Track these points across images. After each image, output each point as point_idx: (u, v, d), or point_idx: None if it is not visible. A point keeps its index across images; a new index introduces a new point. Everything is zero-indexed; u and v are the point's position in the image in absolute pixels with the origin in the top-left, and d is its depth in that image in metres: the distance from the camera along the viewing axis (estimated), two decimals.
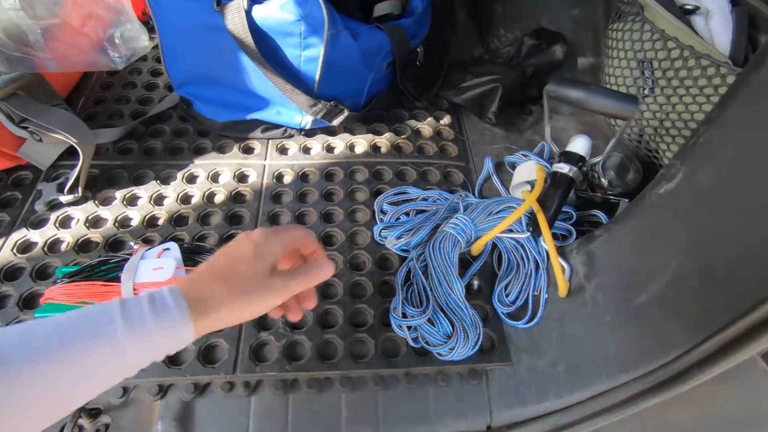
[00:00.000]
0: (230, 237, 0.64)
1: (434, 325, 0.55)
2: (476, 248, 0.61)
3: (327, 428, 0.52)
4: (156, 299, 0.33)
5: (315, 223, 0.66)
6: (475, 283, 0.61)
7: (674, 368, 0.46)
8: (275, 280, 0.37)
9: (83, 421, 0.51)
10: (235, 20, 0.58)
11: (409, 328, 0.55)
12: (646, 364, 0.48)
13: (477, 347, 0.54)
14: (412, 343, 0.55)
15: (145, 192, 0.68)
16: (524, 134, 0.84)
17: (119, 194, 0.67)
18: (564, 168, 0.61)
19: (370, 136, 0.78)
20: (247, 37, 0.58)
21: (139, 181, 0.69)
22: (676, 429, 0.52)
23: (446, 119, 0.83)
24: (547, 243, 0.56)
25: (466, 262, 0.63)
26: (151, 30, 0.93)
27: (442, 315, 0.55)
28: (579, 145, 0.62)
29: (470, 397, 0.55)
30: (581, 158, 0.61)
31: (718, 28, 0.62)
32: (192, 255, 0.58)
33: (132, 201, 0.67)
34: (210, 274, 0.36)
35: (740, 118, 0.40)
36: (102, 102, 0.81)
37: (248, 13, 0.57)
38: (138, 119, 0.76)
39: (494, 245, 0.65)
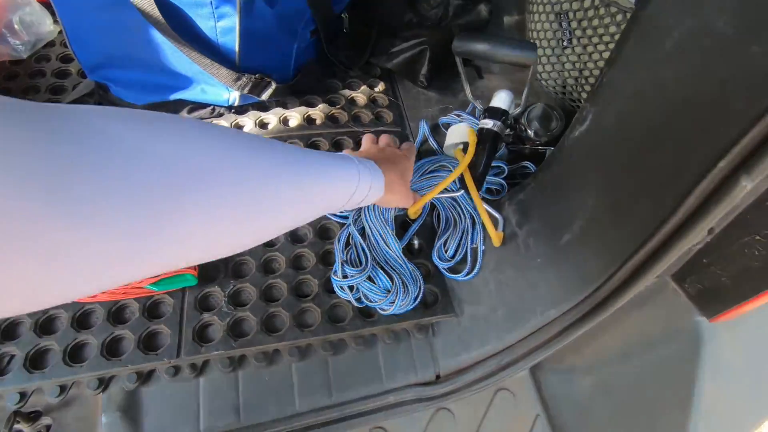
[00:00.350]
0: None
1: (374, 282, 0.56)
2: (413, 211, 0.63)
3: (280, 399, 0.53)
4: (367, 164, 0.47)
5: None
6: (416, 242, 0.63)
7: (596, 298, 0.49)
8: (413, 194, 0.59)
9: (21, 426, 0.49)
10: None
11: (351, 288, 0.56)
12: (572, 298, 0.51)
13: (418, 300, 0.56)
14: (355, 303, 0.56)
15: None
16: (458, 95, 0.85)
17: None
18: (488, 123, 0.62)
19: (303, 108, 0.77)
20: (153, 10, 0.55)
21: None
22: (607, 353, 0.56)
23: (380, 86, 0.83)
24: (474, 199, 0.58)
25: (407, 224, 0.65)
26: (54, 12, 0.86)
27: (381, 272, 0.56)
28: (500, 99, 0.64)
29: (418, 350, 0.57)
30: (504, 112, 0.63)
31: None
32: None
33: None
34: (388, 161, 0.52)
35: (635, 55, 0.42)
36: (7, 94, 0.74)
37: None
38: None
39: (432, 205, 0.66)
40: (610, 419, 0.55)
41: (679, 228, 0.39)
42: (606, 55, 0.65)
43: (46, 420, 0.50)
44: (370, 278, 0.56)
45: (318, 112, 0.76)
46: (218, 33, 0.60)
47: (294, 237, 0.62)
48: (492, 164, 0.65)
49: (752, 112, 0.29)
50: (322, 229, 0.64)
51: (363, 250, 0.58)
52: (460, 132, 0.68)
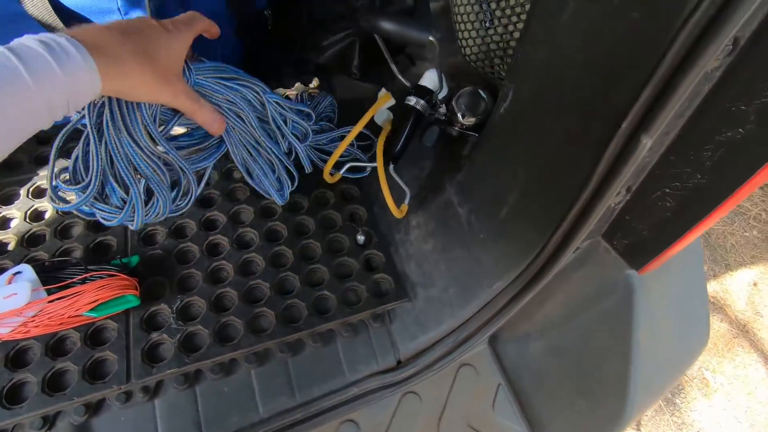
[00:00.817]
0: (97, 245, 0.59)
1: (108, 199, 0.47)
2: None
3: (242, 407, 0.52)
4: (54, 47, 0.33)
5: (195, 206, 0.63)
6: (360, 237, 0.63)
7: (536, 266, 0.52)
8: (181, 87, 0.45)
9: None
10: (35, 3, 0.51)
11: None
12: (515, 268, 0.54)
13: (188, 200, 0.52)
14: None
15: None
16: (396, 83, 0.86)
17: None
18: (411, 101, 0.64)
19: None
20: (55, 21, 0.52)
21: None
22: (554, 316, 0.59)
23: (314, 82, 0.82)
24: (379, 171, 0.60)
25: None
26: None
27: (115, 182, 0.46)
28: (428, 79, 0.66)
29: (376, 339, 0.58)
30: (429, 91, 0.65)
31: None
32: (55, 273, 0.53)
33: None
34: (117, 30, 0.38)
35: (540, 30, 0.44)
36: None
37: None
38: None
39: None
40: (562, 377, 0.58)
41: (599, 188, 0.42)
42: None
43: None
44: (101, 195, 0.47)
45: None
46: None
47: (240, 243, 0.61)
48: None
49: (640, 75, 0.32)
50: (269, 231, 0.63)
51: (96, 156, 0.45)
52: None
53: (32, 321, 0.48)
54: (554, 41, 0.41)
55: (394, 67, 0.69)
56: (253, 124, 0.55)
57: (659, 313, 0.52)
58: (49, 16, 0.52)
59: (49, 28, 0.53)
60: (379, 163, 0.62)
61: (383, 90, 0.70)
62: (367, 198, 0.68)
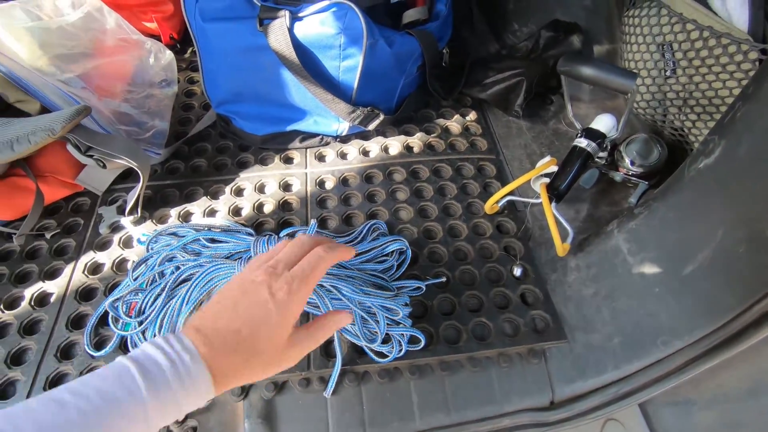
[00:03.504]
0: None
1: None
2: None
3: (401, 415, 0.56)
4: (177, 364, 0.31)
5: (362, 224, 0.69)
6: (517, 270, 0.64)
7: (727, 332, 0.49)
8: (294, 351, 0.38)
9: (172, 427, 0.55)
10: (278, 38, 0.61)
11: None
12: (699, 329, 0.51)
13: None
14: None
15: (197, 208, 0.71)
16: (548, 123, 0.87)
17: (174, 212, 0.70)
18: (582, 143, 0.65)
19: (402, 137, 0.81)
20: (290, 53, 0.62)
21: (190, 197, 0.73)
22: (729, 389, 0.55)
23: (472, 115, 0.86)
24: (546, 209, 0.61)
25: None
26: (178, 53, 0.97)
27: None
28: (601, 122, 0.67)
29: (532, 375, 0.58)
30: (601, 135, 0.65)
31: (734, 6, 0.64)
32: None
33: (186, 217, 0.70)
34: (231, 339, 0.34)
35: None
36: None
37: (290, 30, 0.61)
38: (180, 140, 0.80)
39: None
40: None
41: None
42: (716, 85, 0.65)
43: (191, 422, 0.56)
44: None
45: (416, 141, 0.81)
46: (341, 71, 0.66)
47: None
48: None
49: None
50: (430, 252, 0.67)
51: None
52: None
53: None
54: None
55: (569, 107, 0.71)
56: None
57: None
58: (287, 49, 0.62)
59: (283, 59, 0.63)
60: (545, 200, 0.63)
61: (548, 157, 0.71)
62: (524, 233, 0.70)
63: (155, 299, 0.54)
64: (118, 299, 0.55)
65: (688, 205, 0.54)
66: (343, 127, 0.76)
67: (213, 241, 0.61)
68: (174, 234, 0.63)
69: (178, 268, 0.56)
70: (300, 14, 0.61)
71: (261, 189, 0.74)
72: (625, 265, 0.60)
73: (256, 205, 0.72)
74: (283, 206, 0.72)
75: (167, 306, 0.54)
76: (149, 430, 0.30)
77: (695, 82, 0.68)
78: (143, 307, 0.54)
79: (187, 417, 0.56)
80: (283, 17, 0.60)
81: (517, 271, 0.65)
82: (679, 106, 0.72)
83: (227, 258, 0.58)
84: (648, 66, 0.75)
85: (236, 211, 0.71)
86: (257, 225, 0.69)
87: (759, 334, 0.46)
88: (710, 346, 0.50)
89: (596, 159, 0.70)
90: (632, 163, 0.70)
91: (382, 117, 0.73)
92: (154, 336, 0.53)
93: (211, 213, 0.71)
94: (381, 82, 0.71)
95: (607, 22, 0.88)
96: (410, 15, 0.70)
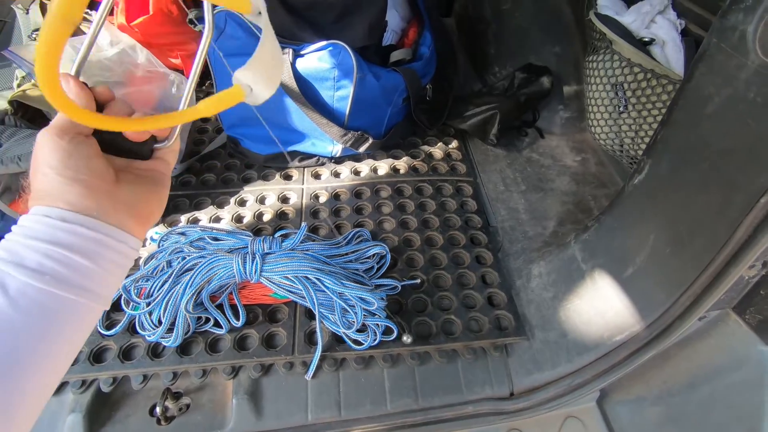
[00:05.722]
0: None
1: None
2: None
3: (374, 399, 0.61)
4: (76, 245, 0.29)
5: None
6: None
7: (661, 324, 0.56)
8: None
9: (168, 403, 0.61)
10: (283, 71, 0.73)
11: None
12: (638, 324, 0.58)
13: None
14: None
15: (204, 215, 0.80)
16: (522, 152, 0.97)
17: (183, 217, 0.80)
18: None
19: (390, 160, 0.91)
20: (292, 84, 0.73)
21: (198, 206, 0.82)
22: (674, 383, 0.60)
23: (454, 143, 0.97)
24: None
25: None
26: (197, 84, 1.09)
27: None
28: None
29: (494, 367, 0.64)
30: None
31: (672, 54, 0.76)
32: None
33: (194, 222, 0.79)
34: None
35: (683, 118, 0.52)
36: None
37: (293, 65, 0.72)
38: (194, 157, 0.91)
39: None
40: None
41: (733, 257, 0.47)
42: (659, 118, 0.75)
43: (186, 400, 0.62)
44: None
45: (402, 163, 0.91)
46: (335, 100, 0.77)
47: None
48: None
49: None
50: (408, 259, 0.74)
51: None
52: None
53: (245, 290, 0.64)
54: (696, 128, 0.49)
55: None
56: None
57: None
58: (290, 80, 0.73)
59: (285, 88, 0.74)
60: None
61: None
62: (495, 245, 0.78)
63: (162, 285, 0.62)
64: (131, 282, 0.63)
65: (627, 216, 0.62)
66: (338, 149, 0.86)
67: (216, 239, 0.70)
68: (182, 233, 0.72)
69: (183, 259, 0.65)
70: (302, 52, 0.73)
71: (262, 201, 0.84)
72: (579, 272, 0.67)
73: (256, 214, 0.81)
74: (281, 216, 0.81)
75: (172, 291, 0.61)
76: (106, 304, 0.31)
77: (643, 116, 0.78)
78: (152, 291, 0.62)
79: (182, 395, 0.62)
80: (288, 53, 0.72)
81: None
82: (632, 138, 0.82)
83: (227, 253, 0.66)
84: (605, 103, 0.86)
85: (238, 219, 0.80)
86: (256, 231, 0.78)
87: (684, 325, 0.53)
88: (648, 339, 0.57)
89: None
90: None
91: (371, 141, 0.84)
92: (159, 317, 0.61)
93: (216, 220, 0.80)
94: (370, 110, 0.82)
95: (574, 66, 1.00)
96: (396, 55, 0.82)
